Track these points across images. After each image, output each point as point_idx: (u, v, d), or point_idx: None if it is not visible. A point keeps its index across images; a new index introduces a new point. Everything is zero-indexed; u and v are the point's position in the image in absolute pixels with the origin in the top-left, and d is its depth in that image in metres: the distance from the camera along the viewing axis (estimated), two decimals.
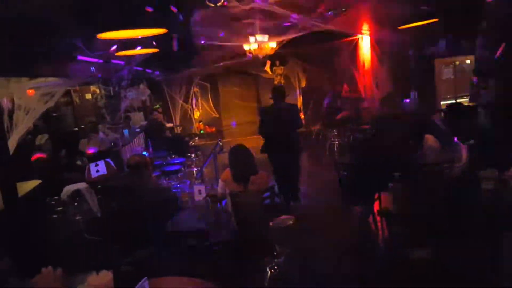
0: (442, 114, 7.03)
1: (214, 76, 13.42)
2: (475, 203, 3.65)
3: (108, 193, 4.94)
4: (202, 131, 13.90)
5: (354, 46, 11.34)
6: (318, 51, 11.13)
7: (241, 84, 14.60)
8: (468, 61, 8.28)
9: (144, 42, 3.90)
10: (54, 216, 5.64)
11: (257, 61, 10.31)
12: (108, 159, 5.20)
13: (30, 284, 2.01)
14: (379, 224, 5.12)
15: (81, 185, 5.91)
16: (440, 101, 8.92)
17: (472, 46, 7.35)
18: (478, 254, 3.64)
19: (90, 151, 6.38)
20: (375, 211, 5.17)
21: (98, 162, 5.84)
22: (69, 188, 5.94)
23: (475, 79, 7.03)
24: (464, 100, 8.34)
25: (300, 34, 7.63)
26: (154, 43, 4.00)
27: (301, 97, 14.42)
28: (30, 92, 5.74)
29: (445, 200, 4.54)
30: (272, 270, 1.31)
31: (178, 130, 12.49)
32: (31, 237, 4.19)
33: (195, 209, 3.97)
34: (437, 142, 4.83)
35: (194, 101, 13.65)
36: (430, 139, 4.86)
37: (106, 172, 5.60)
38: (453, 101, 8.46)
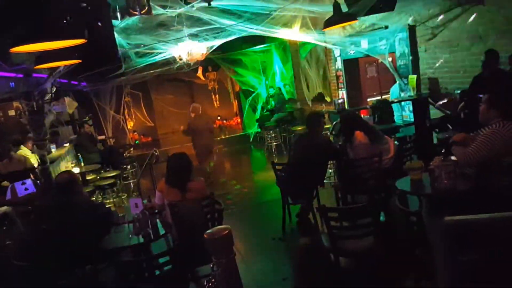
0: (370, 110, 7.39)
1: (145, 84, 13.09)
2: (404, 191, 3.86)
3: (37, 214, 4.66)
4: (137, 142, 13.52)
5: (283, 49, 11.61)
6: (248, 55, 11.27)
7: (174, 91, 14.40)
8: (389, 59, 8.75)
9: (64, 53, 3.71)
10: None
11: (189, 68, 10.21)
12: (28, 179, 4.91)
13: None
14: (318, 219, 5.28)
15: (8, 208, 5.53)
16: (367, 98, 9.36)
17: (392, 44, 7.81)
18: (409, 240, 3.86)
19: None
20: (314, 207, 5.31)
21: (25, 181, 5.49)
22: None
23: None
24: (388, 96, 8.80)
25: (229, 39, 7.66)
26: (76, 54, 3.82)
27: (236, 101, 14.51)
28: None
29: (377, 191, 4.79)
30: (210, 284, 1.29)
31: (111, 142, 12.04)
32: None
33: (132, 223, 3.83)
34: (366, 138, 5.05)
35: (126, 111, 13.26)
36: (359, 135, 5.08)
37: (35, 190, 5.28)
38: (379, 97, 8.89)
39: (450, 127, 5.85)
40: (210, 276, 1.32)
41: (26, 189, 4.64)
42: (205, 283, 1.28)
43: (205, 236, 1.38)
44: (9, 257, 4.28)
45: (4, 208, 5.55)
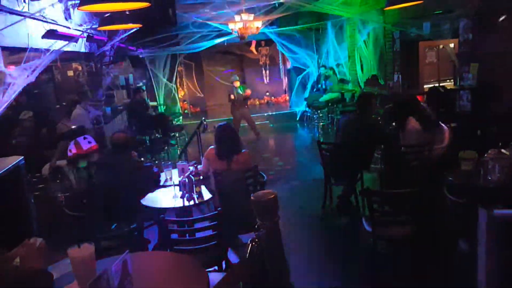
0: (425, 96, 7.10)
1: (198, 55, 13.22)
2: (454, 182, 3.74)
3: (90, 169, 4.92)
4: (186, 111, 13.80)
5: (340, 27, 11.31)
6: (303, 31, 11.06)
7: (226, 64, 14.47)
8: (451, 45, 8.33)
9: (127, 17, 3.83)
10: (36, 193, 5.59)
11: (243, 41, 10.22)
12: (88, 135, 5.16)
13: (8, 255, 2.01)
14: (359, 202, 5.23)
15: (62, 162, 5.87)
16: (424, 85, 9.00)
17: (456, 29, 7.40)
18: (455, 232, 3.76)
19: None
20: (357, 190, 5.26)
21: (86, 136, 5.81)
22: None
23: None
24: (448, 84, 8.42)
25: (286, 14, 7.57)
26: (137, 18, 3.93)
27: (286, 78, 14.40)
28: (10, 66, 5.61)
29: (425, 180, 4.65)
30: (253, 243, 1.34)
31: (162, 109, 12.36)
32: (11, 212, 4.15)
33: (177, 186, 3.97)
34: (419, 124, 4.90)
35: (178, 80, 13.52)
36: (412, 121, 4.92)
37: (95, 143, 5.56)
38: (436, 84, 8.54)
39: None
40: (255, 237, 1.36)
41: (89, 142, 4.92)
42: (248, 242, 1.32)
43: (252, 198, 1.41)
44: (61, 207, 4.56)
45: (61, 162, 5.89)
